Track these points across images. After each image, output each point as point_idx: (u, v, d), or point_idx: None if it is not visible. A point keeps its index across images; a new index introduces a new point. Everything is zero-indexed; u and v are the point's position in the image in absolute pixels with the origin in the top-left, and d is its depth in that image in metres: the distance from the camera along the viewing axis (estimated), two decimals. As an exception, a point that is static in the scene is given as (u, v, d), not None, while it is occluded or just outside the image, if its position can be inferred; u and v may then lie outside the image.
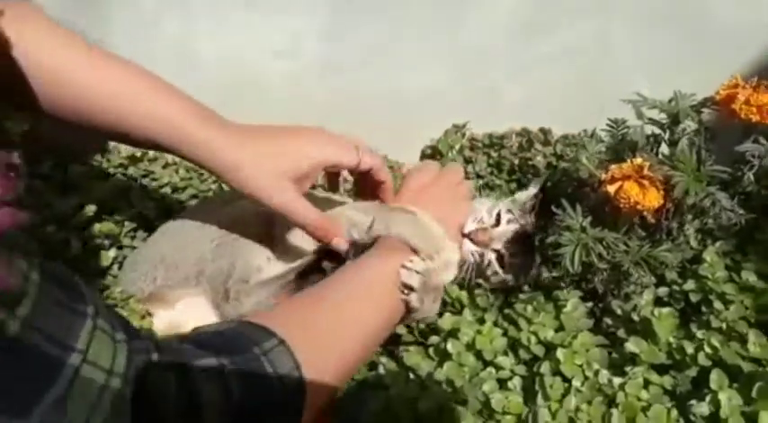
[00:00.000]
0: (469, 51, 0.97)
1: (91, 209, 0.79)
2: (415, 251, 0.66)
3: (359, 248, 0.69)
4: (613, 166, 0.60)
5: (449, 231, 0.71)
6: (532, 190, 0.78)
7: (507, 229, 0.73)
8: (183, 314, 0.70)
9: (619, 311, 0.69)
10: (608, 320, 0.70)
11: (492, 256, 0.72)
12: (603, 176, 0.61)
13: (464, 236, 0.73)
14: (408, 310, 0.67)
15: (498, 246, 0.73)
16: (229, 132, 0.63)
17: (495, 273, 0.73)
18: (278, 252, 0.71)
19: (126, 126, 0.60)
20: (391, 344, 0.72)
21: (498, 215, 0.74)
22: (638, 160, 0.60)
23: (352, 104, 0.99)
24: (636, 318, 0.67)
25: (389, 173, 0.72)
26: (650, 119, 0.70)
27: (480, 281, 0.73)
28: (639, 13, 0.94)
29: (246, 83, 0.97)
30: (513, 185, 0.93)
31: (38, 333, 0.33)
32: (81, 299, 0.37)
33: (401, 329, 0.72)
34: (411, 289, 0.64)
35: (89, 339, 0.36)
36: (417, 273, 0.65)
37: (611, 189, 0.60)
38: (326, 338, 0.58)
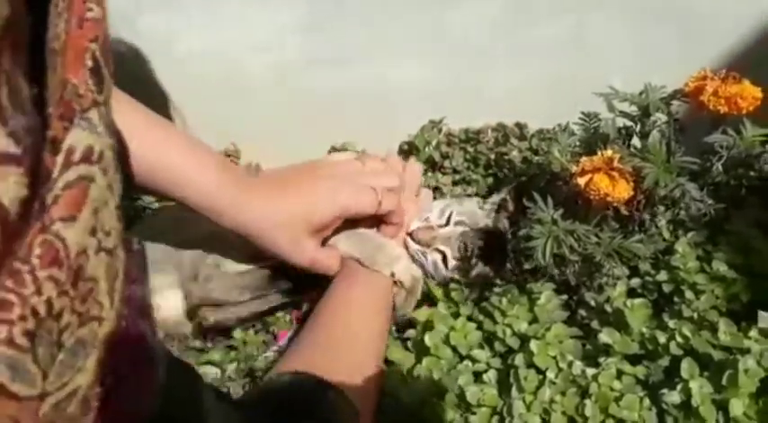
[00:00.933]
0: (446, 48, 0.97)
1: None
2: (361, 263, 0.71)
3: None
4: (584, 159, 0.61)
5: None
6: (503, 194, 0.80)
7: (455, 230, 0.74)
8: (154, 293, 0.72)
9: (592, 303, 0.69)
10: (582, 312, 0.70)
11: (437, 257, 0.74)
12: (574, 169, 0.62)
13: (407, 234, 0.75)
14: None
15: (443, 246, 0.74)
16: (248, 195, 0.65)
17: (441, 273, 0.74)
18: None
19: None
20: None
21: (450, 215, 0.75)
22: (608, 152, 0.61)
23: (329, 99, 0.99)
24: (609, 309, 0.68)
25: (403, 214, 0.75)
26: (621, 111, 0.71)
27: (456, 276, 0.74)
28: (615, 8, 0.94)
29: (229, 76, 0.97)
30: (490, 180, 0.94)
31: None
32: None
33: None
34: (402, 286, 0.70)
35: None
36: (413, 276, 0.69)
37: (582, 181, 0.60)
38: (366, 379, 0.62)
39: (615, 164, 0.60)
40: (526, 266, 0.65)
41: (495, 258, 0.72)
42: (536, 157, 0.85)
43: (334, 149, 1.02)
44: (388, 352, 0.69)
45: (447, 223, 0.75)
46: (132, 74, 0.93)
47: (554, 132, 0.90)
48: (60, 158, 0.20)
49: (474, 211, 0.76)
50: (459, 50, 0.97)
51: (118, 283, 0.24)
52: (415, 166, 0.83)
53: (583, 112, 0.74)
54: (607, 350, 0.65)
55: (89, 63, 0.23)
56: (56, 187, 0.20)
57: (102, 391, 0.23)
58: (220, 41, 0.95)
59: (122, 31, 0.91)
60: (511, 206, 0.75)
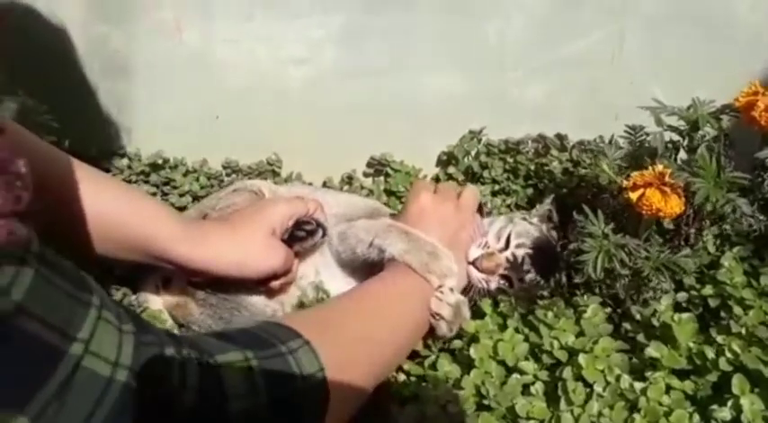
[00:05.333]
0: (486, 58, 0.98)
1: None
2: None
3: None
4: (635, 173, 0.61)
5: (457, 248, 0.74)
6: (546, 205, 0.79)
7: (516, 252, 0.74)
8: None
9: (638, 317, 0.69)
10: (627, 326, 0.70)
11: (503, 283, 0.73)
12: (625, 184, 0.62)
13: (469, 263, 0.74)
14: (433, 330, 0.70)
15: (507, 271, 0.73)
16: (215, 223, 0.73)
17: (506, 293, 0.73)
18: None
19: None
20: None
21: (508, 239, 0.75)
22: (660, 167, 0.61)
23: (369, 110, 1.00)
24: (655, 323, 0.68)
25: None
26: (669, 126, 0.71)
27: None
28: (656, 19, 0.94)
29: (265, 89, 0.98)
30: (530, 191, 0.94)
31: (36, 321, 0.31)
32: (86, 289, 0.36)
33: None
34: (442, 317, 0.68)
35: (92, 329, 0.34)
36: (449, 305, 0.68)
37: (634, 196, 0.60)
38: (351, 345, 0.59)
39: (667, 179, 0.60)
40: (576, 280, 0.65)
41: (546, 268, 0.72)
42: (577, 170, 0.85)
43: (373, 161, 1.03)
44: (438, 366, 0.69)
45: (506, 246, 0.74)
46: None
47: (595, 144, 0.90)
48: None
49: (528, 230, 0.76)
50: (497, 61, 0.97)
51: None
52: (469, 190, 0.79)
53: (628, 126, 0.75)
54: (654, 364, 0.65)
55: None
56: None
57: None
58: (255, 54, 0.97)
59: (158, 44, 0.93)
60: (555, 218, 0.75)
